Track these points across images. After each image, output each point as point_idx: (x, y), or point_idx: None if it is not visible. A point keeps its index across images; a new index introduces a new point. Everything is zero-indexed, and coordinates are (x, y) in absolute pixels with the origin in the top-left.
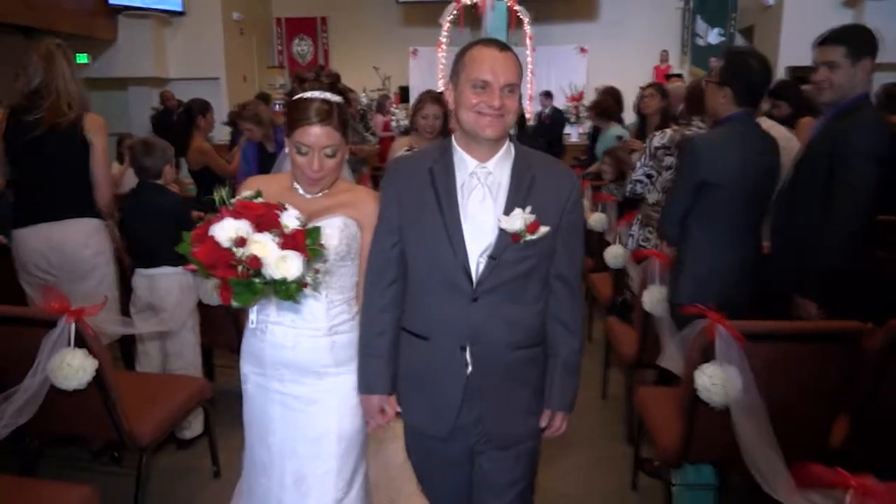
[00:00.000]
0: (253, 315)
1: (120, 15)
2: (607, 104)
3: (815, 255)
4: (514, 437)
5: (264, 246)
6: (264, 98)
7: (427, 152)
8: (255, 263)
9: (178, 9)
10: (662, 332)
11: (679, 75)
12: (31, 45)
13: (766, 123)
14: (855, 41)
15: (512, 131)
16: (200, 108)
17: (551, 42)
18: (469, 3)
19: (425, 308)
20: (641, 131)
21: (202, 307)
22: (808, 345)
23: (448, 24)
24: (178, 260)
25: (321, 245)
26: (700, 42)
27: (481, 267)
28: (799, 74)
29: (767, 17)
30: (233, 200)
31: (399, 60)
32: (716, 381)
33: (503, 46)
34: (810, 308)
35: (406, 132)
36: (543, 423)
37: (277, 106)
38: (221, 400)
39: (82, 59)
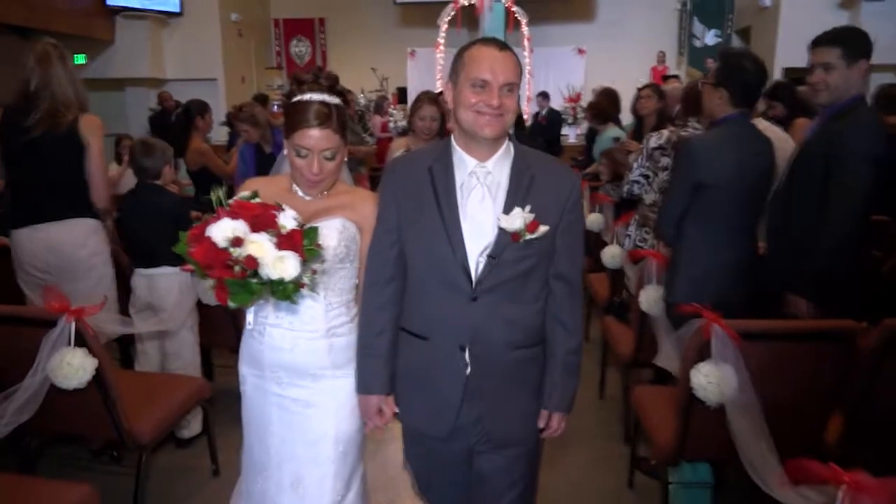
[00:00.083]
0: (250, 316)
1: (117, 16)
2: (603, 106)
3: (811, 255)
4: (513, 438)
5: (261, 246)
6: (262, 99)
7: (426, 152)
8: (252, 263)
9: (176, 10)
10: (659, 332)
11: (676, 76)
12: (28, 46)
13: (762, 124)
14: (851, 43)
15: (510, 131)
16: (199, 109)
17: (549, 43)
18: (467, 4)
19: (425, 308)
20: (638, 132)
21: (201, 307)
22: (802, 344)
23: (446, 25)
24: (178, 260)
25: (318, 245)
26: (697, 43)
27: (481, 266)
28: (795, 76)
29: (764, 18)
30: (230, 201)
31: (397, 61)
32: (711, 379)
33: (502, 46)
34: (801, 305)
35: (404, 133)
36: (541, 424)
37: (275, 107)
38: (220, 399)
39: (80, 59)
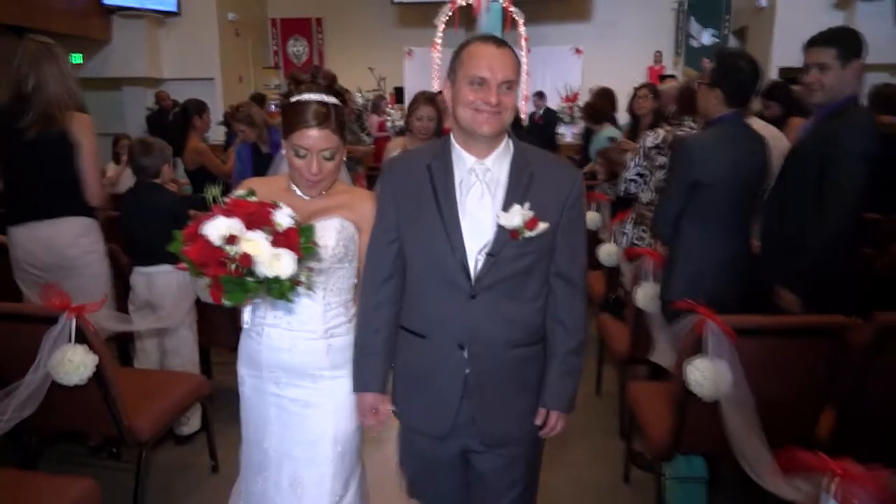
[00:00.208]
0: (246, 315)
1: (114, 15)
2: (598, 106)
3: (805, 253)
4: (510, 437)
5: (256, 244)
6: (259, 99)
7: (425, 150)
8: (247, 261)
9: (173, 9)
10: (654, 329)
11: (673, 76)
12: (20, 45)
13: (758, 124)
14: (846, 43)
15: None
16: (197, 109)
17: (546, 43)
18: (464, 3)
19: (423, 306)
20: (634, 131)
21: (200, 305)
22: (796, 339)
23: (443, 25)
24: (177, 258)
25: (315, 243)
26: (694, 43)
27: (480, 264)
28: (791, 75)
29: (760, 18)
30: (225, 199)
31: (394, 61)
32: (706, 374)
33: (501, 43)
34: (790, 298)
35: (401, 133)
36: (538, 422)
37: (273, 106)
38: (219, 397)
39: (76, 59)
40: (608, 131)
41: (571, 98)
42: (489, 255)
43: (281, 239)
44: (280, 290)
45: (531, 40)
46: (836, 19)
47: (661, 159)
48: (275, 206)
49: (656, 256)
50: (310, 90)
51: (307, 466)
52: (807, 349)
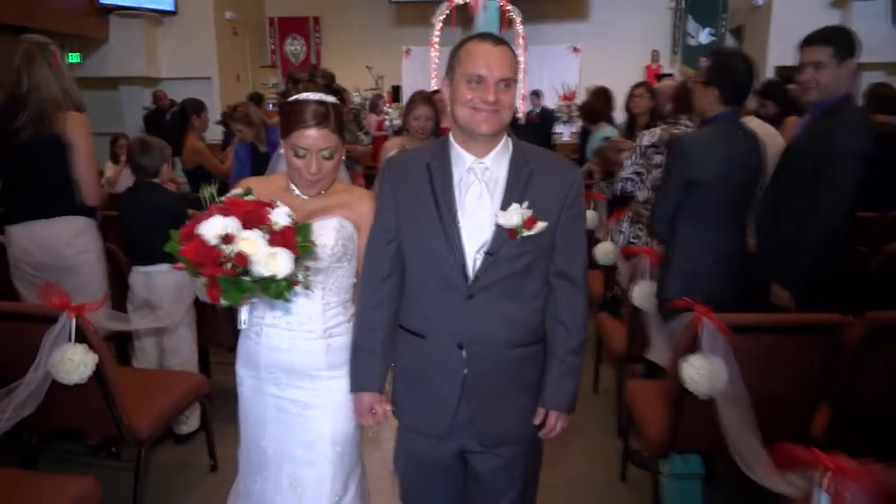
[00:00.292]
0: (243, 315)
1: (111, 14)
2: (594, 106)
3: (800, 251)
4: (508, 436)
5: (253, 243)
6: (257, 98)
7: (424, 149)
8: (243, 261)
9: (170, 8)
10: (650, 327)
11: (670, 75)
12: (15, 44)
13: (754, 122)
14: (841, 42)
15: None
16: (195, 108)
17: (543, 42)
18: (461, 2)
19: (422, 306)
20: (630, 130)
21: (199, 304)
22: (790, 337)
23: (440, 24)
24: (174, 258)
25: (312, 242)
26: (691, 42)
27: (478, 263)
28: (787, 74)
29: (757, 17)
30: (221, 198)
31: (392, 60)
32: (702, 371)
33: (498, 41)
34: (784, 295)
35: (399, 132)
36: (537, 422)
37: (270, 105)
38: (218, 396)
39: (74, 58)
40: (604, 131)
41: (569, 97)
42: (487, 254)
43: (278, 238)
44: (277, 290)
45: (528, 39)
46: (832, 18)
47: (658, 158)
48: (272, 204)
49: (652, 255)
50: (308, 89)
51: (307, 467)
52: (801, 347)
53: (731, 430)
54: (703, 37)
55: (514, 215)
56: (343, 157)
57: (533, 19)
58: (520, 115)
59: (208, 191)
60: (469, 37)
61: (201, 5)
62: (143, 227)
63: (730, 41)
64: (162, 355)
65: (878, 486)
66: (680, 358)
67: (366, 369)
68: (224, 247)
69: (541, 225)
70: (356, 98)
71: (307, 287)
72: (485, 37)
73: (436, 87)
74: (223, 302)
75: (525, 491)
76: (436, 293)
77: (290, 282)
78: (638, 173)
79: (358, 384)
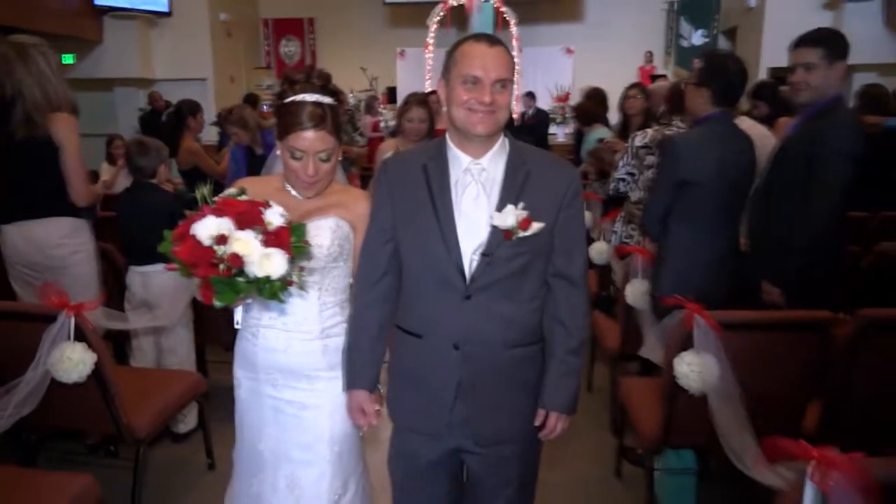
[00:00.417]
0: (238, 315)
1: (105, 16)
2: (588, 108)
3: (792, 251)
4: (503, 436)
5: (247, 244)
6: (252, 100)
7: (421, 150)
8: (237, 261)
9: (165, 10)
10: (644, 325)
11: (664, 76)
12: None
13: (746, 123)
14: (832, 44)
15: None
16: (190, 109)
17: (537, 43)
18: (456, 4)
19: (419, 306)
20: (624, 131)
21: (196, 304)
22: (782, 334)
23: (435, 25)
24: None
25: (306, 242)
26: (684, 43)
27: (474, 264)
28: (780, 75)
29: (750, 18)
30: (215, 198)
31: (386, 61)
32: (694, 368)
33: (494, 41)
34: (773, 291)
35: (394, 134)
36: (537, 422)
37: (265, 107)
38: (215, 395)
39: (68, 59)
40: (598, 132)
41: (563, 98)
42: (483, 255)
43: (272, 238)
44: (271, 291)
45: (522, 40)
46: (825, 20)
47: (650, 159)
48: (265, 204)
49: (645, 254)
50: (304, 90)
51: (304, 468)
52: (793, 343)
53: (724, 426)
54: (696, 38)
55: (509, 216)
56: (340, 159)
57: (527, 21)
58: (515, 115)
59: (202, 191)
60: (465, 38)
61: (195, 7)
62: (140, 227)
63: (723, 42)
64: (160, 354)
65: (864, 475)
66: (673, 355)
67: (358, 367)
68: (218, 247)
69: (537, 226)
70: (351, 99)
71: (301, 287)
72: (480, 37)
73: (430, 89)
74: (217, 303)
75: (521, 490)
76: (434, 293)
77: (284, 282)
78: (631, 174)
79: (350, 383)
